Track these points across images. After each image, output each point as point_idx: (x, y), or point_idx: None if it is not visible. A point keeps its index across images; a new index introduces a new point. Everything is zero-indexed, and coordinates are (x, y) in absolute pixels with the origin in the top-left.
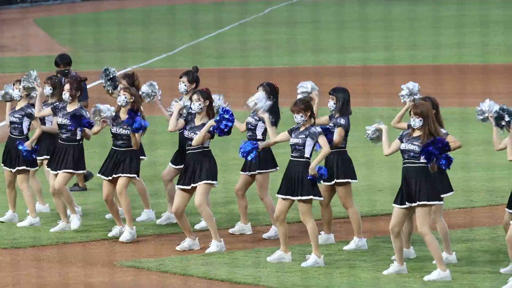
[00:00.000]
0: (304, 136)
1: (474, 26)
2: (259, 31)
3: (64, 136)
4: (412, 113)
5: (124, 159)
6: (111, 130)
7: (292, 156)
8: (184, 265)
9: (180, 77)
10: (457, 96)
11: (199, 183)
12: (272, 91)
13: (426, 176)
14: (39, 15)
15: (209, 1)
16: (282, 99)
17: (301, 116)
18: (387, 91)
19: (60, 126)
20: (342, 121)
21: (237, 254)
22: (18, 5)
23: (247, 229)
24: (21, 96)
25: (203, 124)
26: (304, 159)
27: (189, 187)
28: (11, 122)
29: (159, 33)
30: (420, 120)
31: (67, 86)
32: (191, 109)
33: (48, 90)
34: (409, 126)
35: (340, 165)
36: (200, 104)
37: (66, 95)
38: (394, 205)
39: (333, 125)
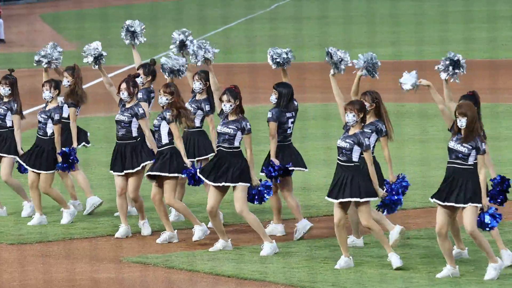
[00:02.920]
0: (352, 142)
1: (481, 22)
2: (266, 27)
3: (120, 134)
4: (457, 113)
5: (160, 156)
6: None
7: (339, 160)
8: (191, 261)
9: (137, 69)
10: (465, 91)
11: (237, 184)
12: (207, 78)
13: (473, 178)
14: (46, 10)
15: None
16: None
17: (354, 116)
18: (394, 86)
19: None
20: (269, 114)
21: (244, 250)
22: (24, 0)
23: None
24: (52, 97)
25: (235, 121)
26: (353, 164)
27: (226, 184)
28: (38, 121)
29: (166, 28)
30: (466, 120)
31: (123, 85)
32: (224, 109)
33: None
34: (453, 125)
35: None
36: (231, 105)
37: (124, 94)
38: (436, 201)
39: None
